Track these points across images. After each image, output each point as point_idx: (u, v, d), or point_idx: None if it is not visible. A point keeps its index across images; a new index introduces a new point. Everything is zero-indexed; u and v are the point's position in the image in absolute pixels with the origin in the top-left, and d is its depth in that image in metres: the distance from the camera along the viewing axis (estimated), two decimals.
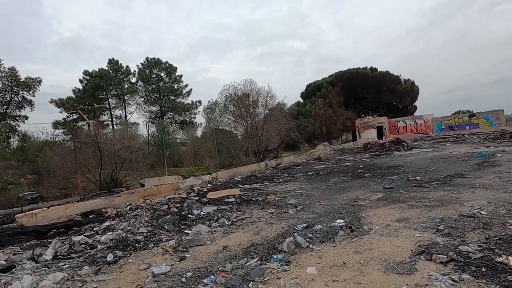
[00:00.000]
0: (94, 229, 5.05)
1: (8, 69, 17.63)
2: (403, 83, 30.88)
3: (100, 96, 34.21)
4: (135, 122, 32.18)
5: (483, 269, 2.34)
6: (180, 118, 36.14)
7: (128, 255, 3.51)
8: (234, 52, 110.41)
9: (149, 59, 36.43)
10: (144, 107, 36.28)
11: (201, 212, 5.37)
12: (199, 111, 34.97)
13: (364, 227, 3.75)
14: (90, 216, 6.17)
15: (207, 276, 2.76)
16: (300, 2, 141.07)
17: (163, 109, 35.90)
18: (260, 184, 8.74)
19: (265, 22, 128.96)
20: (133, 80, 36.32)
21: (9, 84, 17.58)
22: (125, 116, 35.53)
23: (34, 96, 19.24)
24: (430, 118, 26.73)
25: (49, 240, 4.38)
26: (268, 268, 2.79)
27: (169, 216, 5.28)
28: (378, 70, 31.16)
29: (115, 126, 32.29)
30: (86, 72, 33.85)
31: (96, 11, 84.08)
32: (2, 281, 2.80)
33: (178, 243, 3.77)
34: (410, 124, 27.62)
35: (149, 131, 21.17)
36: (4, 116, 18.45)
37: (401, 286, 2.27)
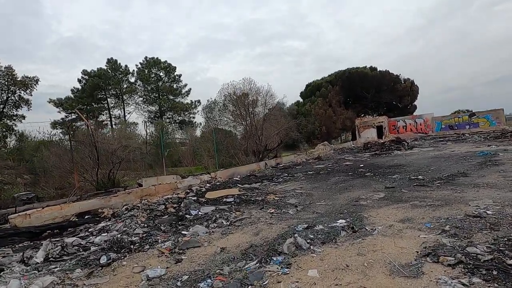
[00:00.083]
0: (89, 230, 4.92)
1: (5, 68, 17.46)
2: (402, 82, 30.76)
3: (99, 96, 34.02)
4: (134, 122, 32.05)
5: (494, 272, 2.22)
6: (179, 117, 35.98)
7: (122, 257, 3.38)
8: (234, 52, 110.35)
9: (148, 58, 36.25)
10: (143, 107, 36.12)
11: (199, 213, 5.24)
12: (198, 111, 34.86)
13: (367, 228, 3.64)
14: (86, 217, 6.04)
15: (203, 279, 2.64)
16: (300, 2, 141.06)
17: (162, 108, 35.73)
18: (259, 183, 8.62)
19: (265, 22, 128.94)
20: (132, 79, 36.15)
21: (6, 83, 17.40)
22: (124, 116, 35.38)
23: (31, 95, 19.09)
24: (430, 118, 26.62)
25: (42, 242, 4.26)
26: (268, 271, 2.67)
27: (166, 216, 5.15)
28: (378, 69, 31.04)
29: (114, 126, 32.15)
30: (84, 72, 33.68)
31: (96, 11, 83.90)
32: None
33: (174, 244, 3.65)
34: (410, 124, 27.50)
35: (148, 131, 21.01)
36: (1, 115, 18.27)
37: None
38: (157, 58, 36.15)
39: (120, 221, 4.96)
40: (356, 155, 15.08)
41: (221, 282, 2.53)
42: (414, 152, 13.57)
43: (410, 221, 3.74)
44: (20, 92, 18.40)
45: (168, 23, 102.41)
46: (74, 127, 19.10)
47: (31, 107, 19.33)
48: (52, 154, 10.20)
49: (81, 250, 3.59)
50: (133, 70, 35.92)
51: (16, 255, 3.46)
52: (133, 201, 6.83)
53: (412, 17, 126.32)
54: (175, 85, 37.03)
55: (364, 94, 29.96)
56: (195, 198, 6.66)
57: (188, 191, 8.01)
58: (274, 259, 2.92)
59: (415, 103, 32.37)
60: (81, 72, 33.70)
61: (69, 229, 5.27)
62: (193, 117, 36.23)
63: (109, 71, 34.24)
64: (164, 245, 3.69)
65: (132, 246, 3.66)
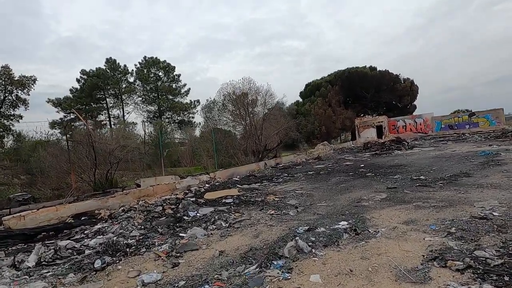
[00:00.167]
0: (85, 232, 4.81)
1: (2, 67, 17.29)
2: (402, 82, 30.71)
3: (98, 96, 33.84)
4: (133, 122, 31.87)
5: (506, 278, 2.12)
6: (178, 117, 35.83)
7: (118, 261, 3.27)
8: (233, 52, 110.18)
9: (147, 58, 36.09)
10: (142, 107, 35.95)
11: (198, 214, 5.13)
12: (197, 111, 34.71)
13: (370, 230, 3.53)
14: (82, 218, 5.92)
15: (201, 285, 2.53)
16: (299, 2, 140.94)
17: (161, 108, 35.57)
18: (259, 184, 8.52)
19: (265, 22, 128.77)
20: (131, 79, 35.96)
21: (3, 82, 17.22)
22: (123, 115, 35.21)
23: (28, 95, 18.90)
24: (429, 117, 26.56)
25: (40, 243, 4.14)
26: (268, 276, 2.56)
27: (164, 218, 5.04)
28: (378, 69, 30.96)
29: (112, 126, 31.99)
30: (83, 72, 33.48)
31: (96, 11, 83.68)
32: None
33: (171, 247, 3.54)
34: (409, 123, 27.43)
35: (147, 130, 20.88)
36: None
37: None
38: (156, 57, 36.01)
39: (116, 223, 4.84)
40: (356, 155, 14.99)
41: None
42: (414, 152, 13.48)
43: (414, 223, 3.64)
44: (17, 92, 18.24)
45: (168, 23, 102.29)
46: (72, 127, 18.96)
47: (28, 107, 19.18)
48: (49, 154, 10.07)
49: (75, 254, 3.47)
50: (132, 70, 35.77)
51: (7, 259, 3.34)
52: (130, 202, 6.71)
53: (412, 16, 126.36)
54: (174, 85, 36.89)
55: (364, 94, 29.89)
56: (193, 199, 6.55)
57: (187, 191, 7.90)
58: (275, 263, 2.82)
59: (414, 102, 32.34)
60: (80, 72, 33.53)
61: (64, 231, 5.14)
62: (193, 117, 36.11)
63: (108, 71, 34.06)
64: (161, 248, 3.57)
65: (128, 249, 3.55)
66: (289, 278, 2.51)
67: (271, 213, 4.92)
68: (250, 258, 3.02)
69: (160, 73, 36.60)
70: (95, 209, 6.35)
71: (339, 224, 3.85)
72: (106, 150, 9.86)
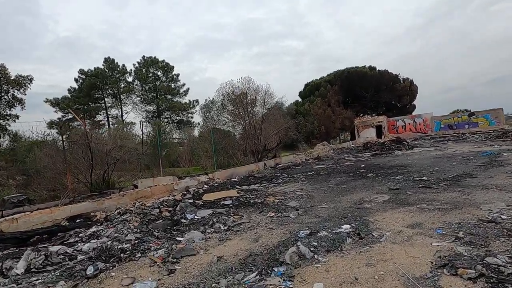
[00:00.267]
0: (80, 235, 4.66)
1: None
2: (402, 82, 30.63)
3: (96, 96, 33.66)
4: (131, 122, 31.65)
5: None
6: (177, 117, 35.67)
7: (111, 267, 3.12)
8: (232, 52, 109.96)
9: (145, 58, 35.91)
10: (141, 107, 35.78)
11: (195, 217, 4.99)
12: (196, 111, 34.56)
13: (374, 234, 3.40)
14: (78, 221, 5.76)
15: None
16: (298, 1, 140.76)
17: (160, 108, 35.39)
18: (258, 185, 8.38)
19: (263, 22, 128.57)
20: (130, 79, 35.80)
21: None
22: (122, 115, 35.02)
23: (25, 94, 18.71)
24: (429, 117, 26.50)
25: (31, 248, 3.99)
26: (269, 285, 2.42)
27: (161, 221, 4.90)
28: (377, 69, 30.88)
29: (111, 126, 31.78)
30: (81, 71, 33.29)
31: (94, 11, 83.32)
32: None
33: (168, 252, 3.39)
34: (409, 123, 27.36)
35: (145, 130, 20.67)
36: None
37: None
38: (154, 57, 35.84)
39: (111, 226, 4.69)
40: (356, 155, 14.87)
41: None
42: (415, 152, 13.38)
43: (420, 227, 3.51)
44: (14, 91, 18.03)
45: (166, 23, 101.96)
46: (70, 127, 18.76)
47: (24, 106, 18.99)
48: (44, 154, 9.90)
49: (66, 260, 3.33)
50: (131, 70, 35.60)
51: None
52: (127, 204, 6.56)
53: (411, 16, 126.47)
54: (173, 84, 36.74)
55: (363, 94, 29.80)
56: (191, 200, 6.41)
57: (185, 192, 7.76)
58: (275, 270, 2.68)
59: (414, 102, 32.28)
60: (78, 72, 33.35)
61: (58, 234, 4.98)
62: (191, 117, 35.97)
63: (106, 70, 33.87)
64: (157, 253, 3.43)
65: (122, 255, 3.40)
66: (291, 287, 2.37)
67: (271, 215, 4.79)
68: (250, 265, 2.88)
69: (159, 73, 36.43)
70: (91, 211, 6.20)
71: (342, 228, 3.72)
72: (103, 151, 9.70)
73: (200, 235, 3.98)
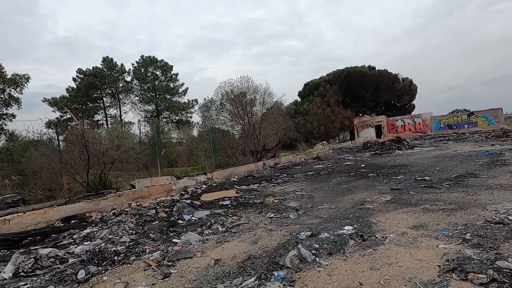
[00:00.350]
0: (73, 236, 4.53)
1: None
2: (401, 81, 30.59)
3: (94, 95, 33.43)
4: (129, 122, 31.48)
5: None
6: (176, 117, 35.47)
7: (104, 271, 2.99)
8: (232, 52, 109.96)
9: (144, 57, 35.70)
10: (140, 106, 35.54)
11: (193, 218, 4.86)
12: (195, 110, 34.38)
13: (377, 235, 3.28)
14: (72, 222, 5.62)
15: None
16: (298, 2, 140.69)
17: (158, 108, 35.19)
18: (257, 185, 8.25)
19: (263, 22, 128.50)
20: (128, 78, 35.56)
21: None
22: (120, 115, 34.80)
23: (21, 93, 18.49)
24: (428, 117, 26.45)
25: (22, 251, 3.86)
26: None
27: (157, 222, 4.76)
28: (376, 68, 30.85)
29: (109, 125, 31.59)
30: (79, 71, 33.06)
31: (94, 11, 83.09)
32: None
33: (163, 255, 3.26)
34: (408, 123, 27.30)
35: (143, 130, 20.53)
36: None
37: None
38: (153, 57, 35.64)
39: (106, 227, 4.56)
40: (356, 155, 14.77)
41: None
42: (415, 151, 13.28)
43: (424, 228, 3.39)
44: (10, 90, 17.83)
45: (166, 23, 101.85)
46: (68, 127, 18.59)
47: (21, 105, 18.75)
48: (40, 154, 9.75)
49: (57, 263, 3.19)
50: (129, 69, 35.38)
51: None
52: (124, 204, 6.42)
53: (411, 16, 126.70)
54: (172, 84, 36.53)
55: (363, 94, 29.73)
56: (189, 201, 6.27)
57: (183, 192, 7.63)
58: (275, 274, 2.56)
59: (413, 102, 32.26)
60: (76, 71, 33.11)
61: (52, 235, 4.84)
62: (190, 117, 35.76)
63: (105, 70, 33.65)
64: (152, 256, 3.30)
65: (116, 258, 3.27)
66: None
67: (271, 216, 4.66)
68: (249, 268, 2.75)
69: (158, 72, 36.23)
70: (86, 211, 6.05)
71: (344, 229, 3.60)
72: (100, 150, 9.56)
73: (197, 236, 3.85)
